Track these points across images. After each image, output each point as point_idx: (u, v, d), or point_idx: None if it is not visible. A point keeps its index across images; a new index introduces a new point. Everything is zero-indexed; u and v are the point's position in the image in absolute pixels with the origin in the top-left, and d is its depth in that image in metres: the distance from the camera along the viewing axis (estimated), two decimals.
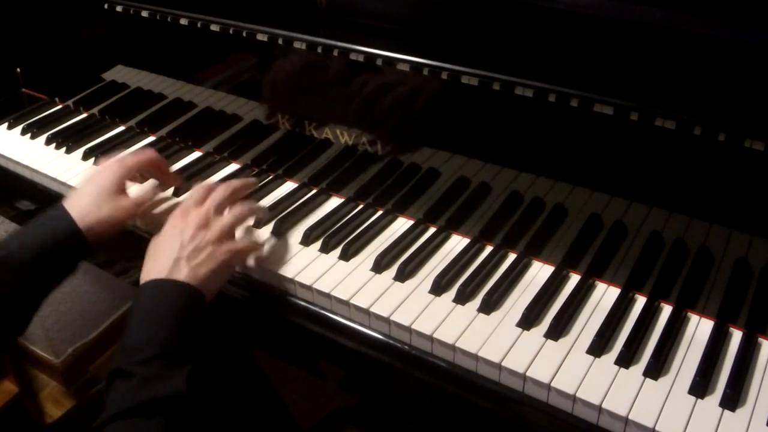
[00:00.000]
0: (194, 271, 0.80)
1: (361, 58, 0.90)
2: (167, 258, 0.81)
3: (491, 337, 0.79)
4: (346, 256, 0.92)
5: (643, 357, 0.77)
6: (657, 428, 0.69)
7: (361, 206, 1.02)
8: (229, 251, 0.84)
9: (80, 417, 1.65)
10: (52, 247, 0.85)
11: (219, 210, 0.87)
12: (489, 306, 0.83)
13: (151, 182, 1.02)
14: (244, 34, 0.99)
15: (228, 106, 1.11)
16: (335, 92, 0.97)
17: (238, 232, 0.95)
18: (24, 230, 0.88)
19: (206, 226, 0.84)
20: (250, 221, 0.98)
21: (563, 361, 0.76)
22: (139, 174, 0.99)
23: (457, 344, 0.78)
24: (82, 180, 0.94)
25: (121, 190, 0.92)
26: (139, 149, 1.02)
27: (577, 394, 0.72)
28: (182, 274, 0.79)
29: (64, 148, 1.19)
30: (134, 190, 0.98)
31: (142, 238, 1.02)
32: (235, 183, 0.92)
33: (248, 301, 0.94)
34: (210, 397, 1.00)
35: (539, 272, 0.89)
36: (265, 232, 0.98)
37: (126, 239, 0.99)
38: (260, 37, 0.98)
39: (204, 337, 0.79)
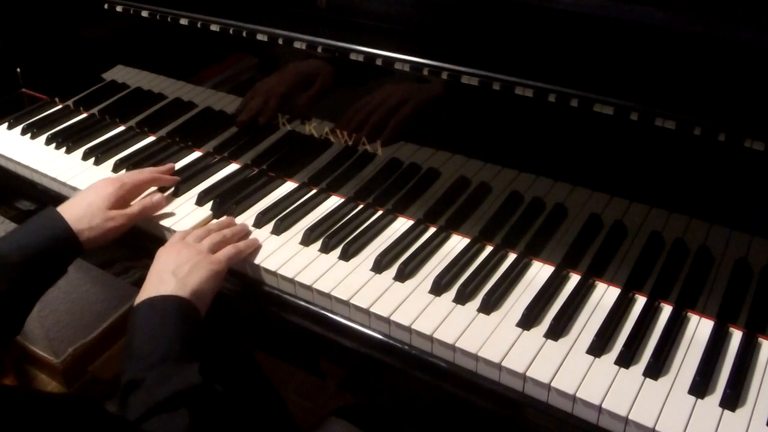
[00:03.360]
0: (182, 282, 0.82)
1: (361, 58, 0.90)
2: (156, 279, 0.84)
3: (491, 337, 0.79)
4: (346, 256, 0.92)
5: (643, 357, 0.77)
6: (657, 428, 0.69)
7: (361, 206, 1.02)
8: (213, 260, 0.87)
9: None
10: (46, 249, 0.88)
11: (198, 239, 0.91)
12: (489, 306, 0.83)
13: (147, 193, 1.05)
14: (244, 34, 0.99)
15: (228, 106, 1.11)
16: (335, 93, 0.97)
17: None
18: (16, 232, 0.90)
19: (187, 248, 0.88)
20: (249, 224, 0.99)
21: (563, 361, 0.76)
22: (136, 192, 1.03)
23: (457, 344, 0.78)
24: (79, 192, 0.99)
25: (113, 205, 0.96)
26: (136, 171, 1.06)
27: (577, 394, 0.72)
28: (171, 287, 0.81)
29: (64, 148, 1.19)
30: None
31: (141, 239, 1.02)
32: (210, 226, 0.97)
33: (248, 301, 0.94)
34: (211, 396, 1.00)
35: (539, 272, 0.89)
36: (264, 232, 0.98)
37: (126, 240, 0.99)
38: (260, 37, 0.98)
39: (205, 344, 0.81)
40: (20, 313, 0.87)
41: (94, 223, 0.92)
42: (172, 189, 1.07)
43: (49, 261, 0.88)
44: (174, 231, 0.99)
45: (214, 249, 0.90)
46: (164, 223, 1.01)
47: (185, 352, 0.76)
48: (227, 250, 0.91)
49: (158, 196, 1.03)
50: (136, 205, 1.00)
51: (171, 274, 0.83)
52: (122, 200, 0.98)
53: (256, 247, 0.94)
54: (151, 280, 0.84)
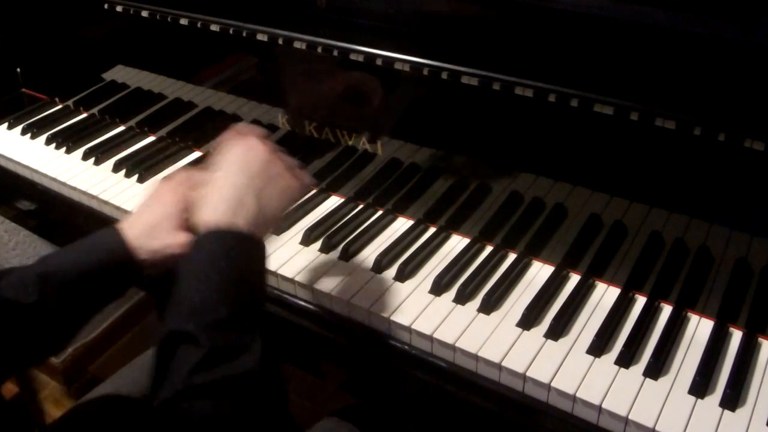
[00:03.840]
0: (262, 211, 0.71)
1: (361, 58, 0.90)
2: (230, 196, 0.71)
3: (491, 337, 0.79)
4: (346, 256, 0.92)
5: (643, 357, 0.77)
6: (657, 428, 0.69)
7: (361, 206, 1.02)
8: (300, 186, 0.76)
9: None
10: (101, 270, 0.79)
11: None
12: (489, 306, 0.83)
13: None
14: (244, 34, 0.99)
15: (228, 106, 1.11)
16: (335, 94, 0.97)
17: None
18: (75, 246, 0.82)
19: (275, 156, 0.76)
20: None
21: (563, 361, 0.76)
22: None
23: (457, 344, 0.78)
24: (141, 204, 0.86)
25: (180, 225, 0.82)
26: (195, 173, 0.88)
27: (577, 394, 0.72)
28: (249, 216, 0.70)
29: (64, 148, 1.19)
30: None
31: None
32: None
33: None
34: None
35: (539, 272, 0.89)
36: None
37: None
38: (260, 37, 0.98)
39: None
40: (68, 330, 0.80)
41: (155, 246, 0.80)
42: None
43: (103, 283, 0.79)
44: None
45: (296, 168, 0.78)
46: None
47: (251, 314, 0.66)
48: (305, 176, 0.79)
49: None
50: None
51: (254, 198, 0.71)
52: (185, 215, 0.84)
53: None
54: (228, 193, 0.71)
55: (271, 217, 0.73)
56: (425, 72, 0.86)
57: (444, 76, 0.85)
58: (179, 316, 0.64)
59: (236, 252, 0.68)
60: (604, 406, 0.71)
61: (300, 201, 1.01)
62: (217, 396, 0.61)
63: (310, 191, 0.81)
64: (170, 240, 0.81)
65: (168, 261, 0.82)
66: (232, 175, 0.74)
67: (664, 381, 0.74)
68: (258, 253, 0.70)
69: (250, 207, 0.71)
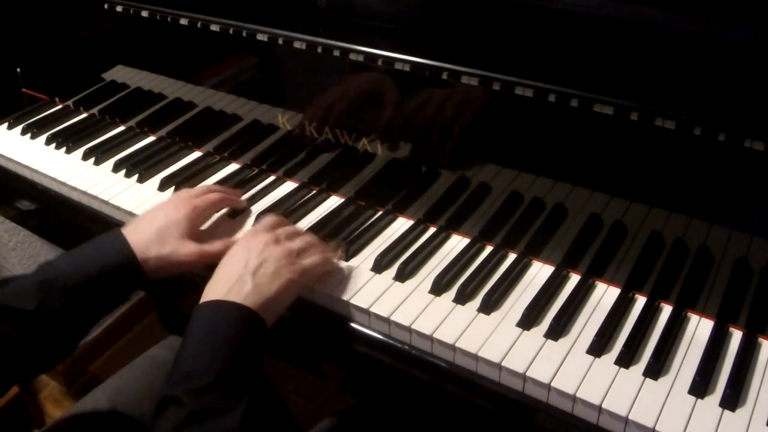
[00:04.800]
0: (257, 289, 0.75)
1: (361, 58, 0.90)
2: (230, 276, 0.77)
3: (491, 337, 0.79)
4: (346, 256, 0.92)
5: (643, 357, 0.77)
6: (657, 428, 0.69)
7: (361, 206, 1.02)
8: (297, 270, 0.80)
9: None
10: (106, 275, 0.80)
11: (290, 237, 0.84)
12: (489, 306, 0.83)
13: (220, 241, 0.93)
14: (244, 34, 0.99)
15: (228, 106, 1.11)
16: (336, 94, 0.98)
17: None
18: (77, 252, 0.83)
19: (276, 243, 0.81)
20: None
21: (563, 361, 0.76)
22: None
23: (457, 344, 0.78)
24: (146, 212, 0.90)
25: (188, 233, 0.87)
26: (204, 189, 0.97)
27: (577, 394, 0.72)
28: (243, 292, 0.75)
29: (64, 148, 1.19)
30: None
31: None
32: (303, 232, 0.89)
33: None
34: None
35: (539, 272, 0.89)
36: None
37: None
38: (260, 37, 0.98)
39: (261, 367, 0.75)
40: (72, 336, 0.81)
41: (163, 252, 0.83)
42: None
43: (107, 288, 0.81)
44: None
45: (305, 252, 0.83)
46: None
47: (238, 379, 0.69)
48: (318, 258, 0.83)
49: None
50: (218, 244, 0.87)
51: (250, 276, 0.76)
52: (195, 226, 0.89)
53: (327, 265, 0.86)
54: (225, 276, 0.77)
55: (273, 295, 0.77)
56: (425, 72, 0.86)
57: (444, 76, 0.85)
58: (173, 381, 0.69)
59: (228, 322, 0.73)
60: (604, 406, 0.71)
61: (296, 204, 1.02)
62: None
63: (310, 277, 0.83)
64: (178, 247, 0.84)
65: (174, 268, 0.85)
66: (233, 257, 0.80)
67: (664, 381, 0.74)
68: (252, 324, 0.74)
69: (246, 285, 0.75)
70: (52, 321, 0.78)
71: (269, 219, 0.89)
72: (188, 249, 0.85)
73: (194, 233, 0.89)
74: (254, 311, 0.74)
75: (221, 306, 0.74)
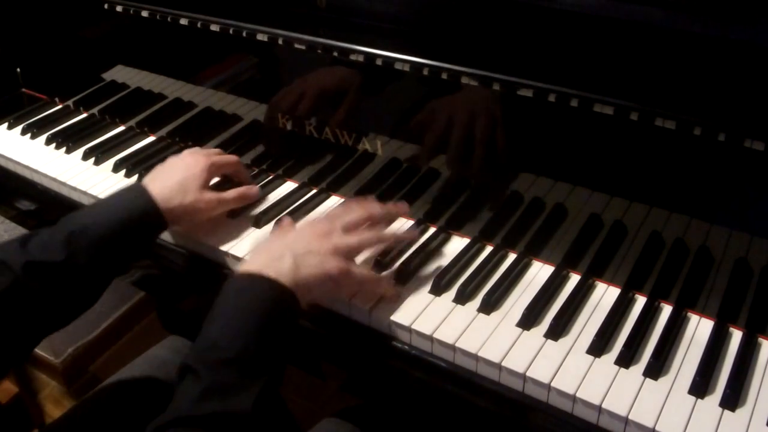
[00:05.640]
0: (296, 269, 0.74)
1: (361, 58, 0.90)
2: (271, 252, 0.77)
3: (491, 337, 0.79)
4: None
5: (643, 357, 0.77)
6: (657, 428, 0.69)
7: None
8: (341, 268, 0.78)
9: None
10: (133, 224, 0.84)
11: (347, 229, 0.84)
12: (489, 306, 0.83)
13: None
14: (244, 34, 0.99)
15: (228, 106, 1.11)
16: (335, 94, 0.97)
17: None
18: (100, 205, 0.87)
19: (326, 237, 0.81)
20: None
21: (563, 361, 0.76)
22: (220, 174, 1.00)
23: (457, 344, 0.78)
24: (163, 166, 0.95)
25: (206, 185, 0.93)
26: (219, 152, 1.02)
27: (577, 394, 0.72)
28: (283, 269, 0.74)
29: (64, 148, 1.19)
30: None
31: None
32: (375, 208, 0.88)
33: None
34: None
35: (539, 272, 0.89)
36: (264, 232, 0.97)
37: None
38: (260, 37, 0.98)
39: (289, 349, 0.74)
40: (96, 287, 0.84)
41: (186, 201, 0.89)
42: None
43: (133, 238, 0.85)
44: None
45: (357, 250, 0.83)
46: None
47: (259, 358, 0.69)
48: (368, 274, 0.82)
49: (256, 189, 1.00)
50: (233, 192, 0.96)
51: (291, 255, 0.75)
52: (210, 180, 0.95)
53: (377, 285, 0.83)
54: (271, 249, 0.78)
55: (310, 279, 0.76)
56: (425, 72, 0.86)
57: (444, 76, 0.85)
58: (195, 351, 0.69)
59: (260, 297, 0.72)
60: (604, 406, 0.71)
61: (296, 204, 1.02)
62: (205, 429, 0.64)
63: (352, 285, 0.82)
64: (199, 196, 0.91)
65: (195, 215, 0.91)
66: (282, 236, 0.83)
67: (664, 381, 0.74)
68: (283, 302, 0.74)
69: (286, 263, 0.75)
70: (79, 272, 0.80)
71: (334, 210, 0.89)
72: (208, 197, 0.92)
73: (208, 184, 0.94)
74: (288, 288, 0.73)
75: (255, 279, 0.73)
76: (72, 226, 0.81)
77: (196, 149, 1.01)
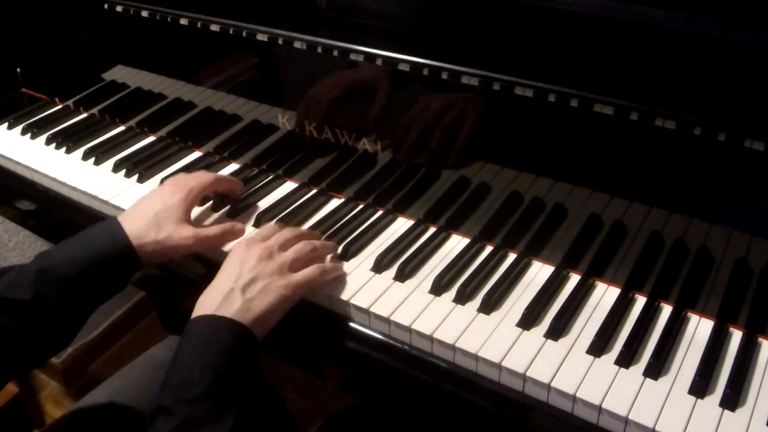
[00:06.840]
0: (247, 305, 0.76)
1: (361, 58, 0.91)
2: (221, 290, 0.77)
3: (491, 337, 0.79)
4: (346, 256, 0.92)
5: (643, 357, 0.77)
6: (657, 428, 0.69)
7: (361, 206, 1.02)
8: (288, 285, 0.80)
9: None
10: (103, 262, 0.81)
11: (284, 247, 0.84)
12: (489, 306, 0.83)
13: (220, 220, 0.99)
14: (244, 34, 0.99)
15: (228, 106, 1.11)
16: (336, 94, 0.97)
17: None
18: (73, 241, 0.83)
19: (268, 258, 0.81)
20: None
21: (563, 361, 0.76)
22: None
23: (457, 344, 0.78)
24: (141, 198, 0.91)
25: (185, 218, 0.88)
26: (199, 173, 0.97)
27: (577, 394, 0.72)
28: (233, 308, 0.75)
29: (64, 148, 1.19)
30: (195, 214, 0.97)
31: None
32: (302, 230, 0.91)
33: None
34: None
35: (539, 272, 0.89)
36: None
37: None
38: (260, 37, 0.98)
39: (255, 378, 0.76)
40: (70, 327, 0.81)
41: (160, 237, 0.84)
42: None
43: (104, 276, 0.82)
44: None
45: (299, 262, 0.83)
46: None
47: (229, 391, 0.70)
48: (310, 272, 0.83)
49: (240, 226, 0.95)
50: (216, 228, 0.90)
51: (240, 292, 0.76)
52: (190, 210, 0.90)
53: (323, 277, 0.84)
54: (217, 289, 0.78)
55: (263, 311, 0.77)
56: (425, 72, 0.86)
57: (444, 76, 0.85)
58: (164, 391, 0.70)
59: (221, 333, 0.74)
60: (604, 406, 0.71)
61: (296, 204, 1.02)
62: None
63: (304, 290, 0.83)
64: (175, 231, 0.85)
65: (171, 252, 0.86)
66: (225, 271, 0.80)
67: (664, 381, 0.74)
68: (243, 339, 0.74)
69: (236, 301, 0.76)
70: (49, 311, 0.78)
71: (263, 229, 0.89)
72: (185, 233, 0.86)
73: (188, 216, 0.90)
74: (245, 326, 0.75)
75: (213, 320, 0.75)
76: (44, 262, 0.79)
77: (180, 176, 0.96)
